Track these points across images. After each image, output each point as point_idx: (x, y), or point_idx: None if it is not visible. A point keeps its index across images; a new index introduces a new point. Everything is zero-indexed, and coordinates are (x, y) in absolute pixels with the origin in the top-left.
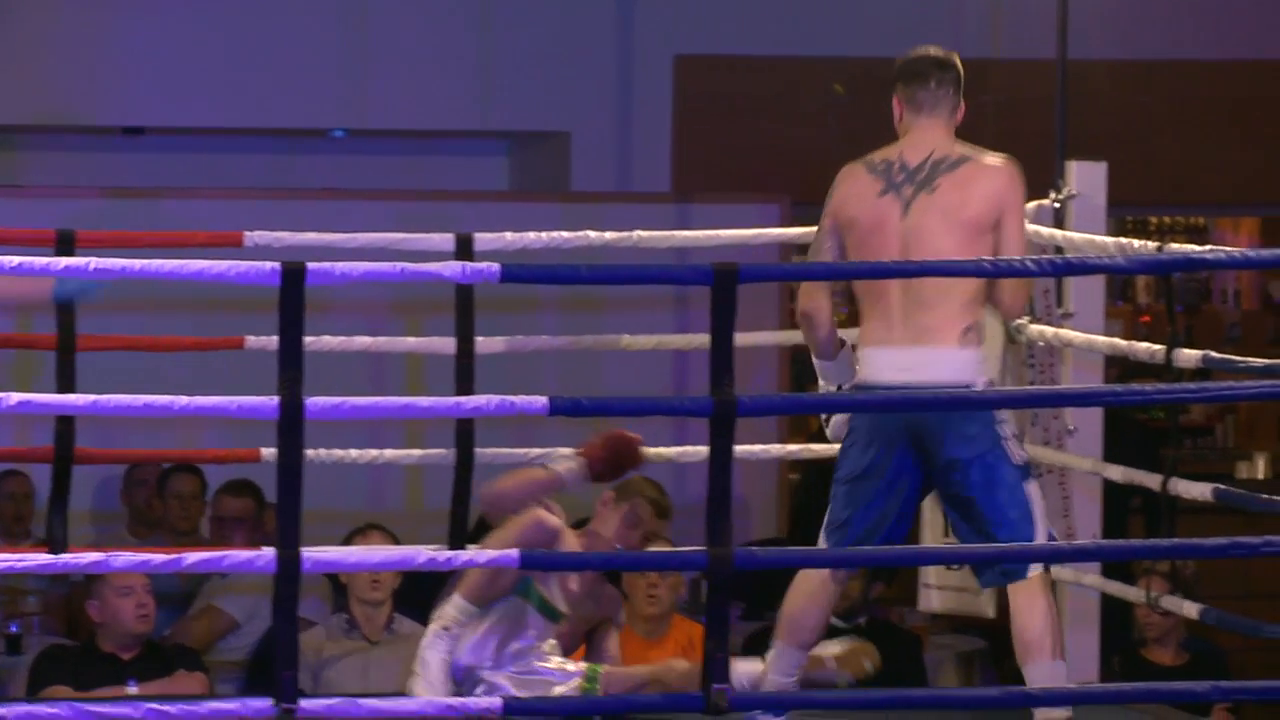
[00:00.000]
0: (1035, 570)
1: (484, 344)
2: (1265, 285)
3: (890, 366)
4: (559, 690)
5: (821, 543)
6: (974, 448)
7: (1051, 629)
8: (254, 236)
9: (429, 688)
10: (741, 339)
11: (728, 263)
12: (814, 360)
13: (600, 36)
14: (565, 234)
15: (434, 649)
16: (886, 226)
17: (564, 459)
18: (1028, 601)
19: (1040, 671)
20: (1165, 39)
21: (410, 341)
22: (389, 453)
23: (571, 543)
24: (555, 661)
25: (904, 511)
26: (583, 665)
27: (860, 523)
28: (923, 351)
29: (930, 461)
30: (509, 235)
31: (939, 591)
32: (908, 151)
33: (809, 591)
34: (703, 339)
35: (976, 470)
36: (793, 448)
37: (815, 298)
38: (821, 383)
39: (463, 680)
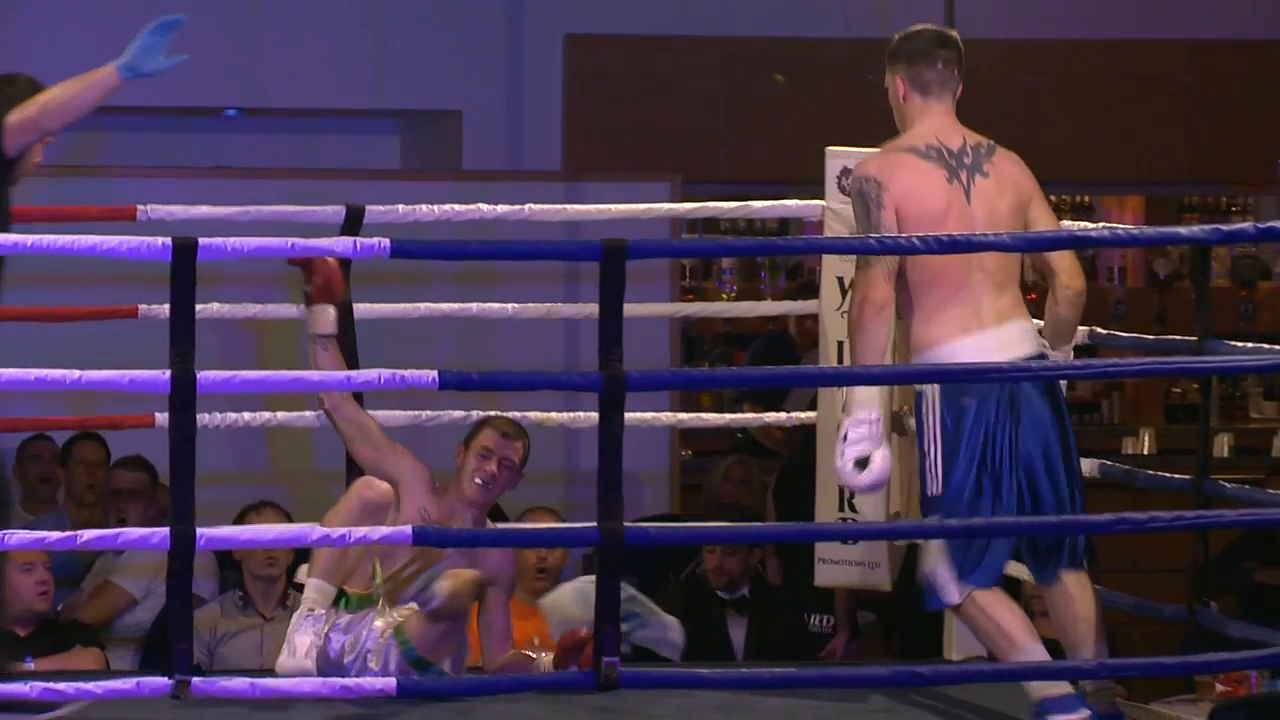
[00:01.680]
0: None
1: (371, 310)
2: (1150, 263)
3: (988, 350)
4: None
5: None
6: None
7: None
8: (147, 210)
9: (297, 669)
10: (633, 310)
11: (616, 239)
12: (860, 363)
13: (491, 16)
14: (458, 207)
15: (301, 631)
16: (956, 215)
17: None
18: (1083, 587)
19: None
20: (1053, 20)
21: (296, 310)
22: (281, 415)
23: (410, 504)
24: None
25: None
26: (390, 628)
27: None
28: (1010, 328)
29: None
30: (401, 208)
31: (835, 566)
32: (943, 135)
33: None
34: (592, 308)
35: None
36: (685, 416)
37: (883, 286)
38: (850, 416)
39: (337, 657)
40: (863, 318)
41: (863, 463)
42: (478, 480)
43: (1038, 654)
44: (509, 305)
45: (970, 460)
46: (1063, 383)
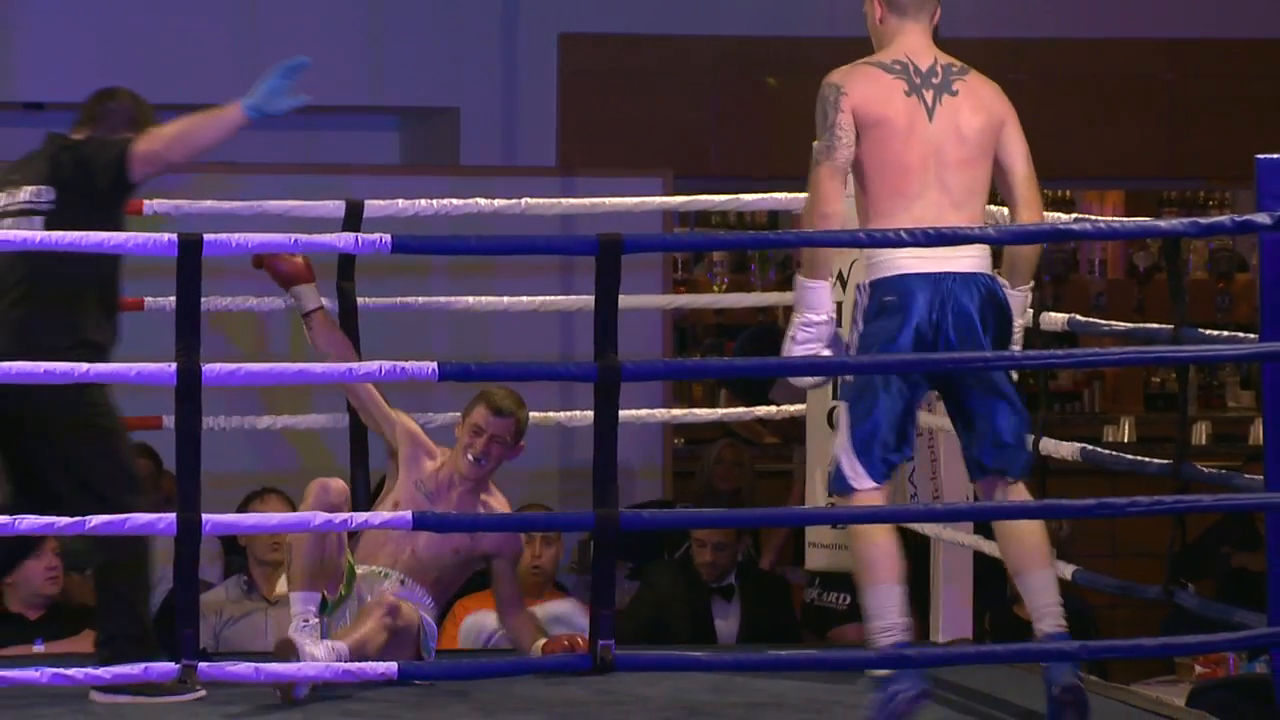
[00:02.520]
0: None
1: (369, 303)
2: (1130, 256)
3: (920, 257)
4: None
5: None
6: None
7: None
8: (153, 205)
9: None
10: (626, 301)
11: (612, 233)
12: (803, 285)
13: (487, 15)
14: (456, 201)
15: (303, 643)
16: (915, 129)
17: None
18: (1030, 520)
19: (1046, 579)
20: (1036, 19)
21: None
22: (284, 419)
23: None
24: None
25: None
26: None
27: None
28: (961, 246)
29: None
30: (401, 203)
31: (824, 550)
32: (913, 55)
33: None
34: (587, 300)
35: None
36: (677, 412)
37: (836, 200)
38: (798, 317)
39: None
40: (807, 225)
41: None
42: (469, 456)
43: (888, 596)
44: (504, 298)
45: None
46: (1019, 322)
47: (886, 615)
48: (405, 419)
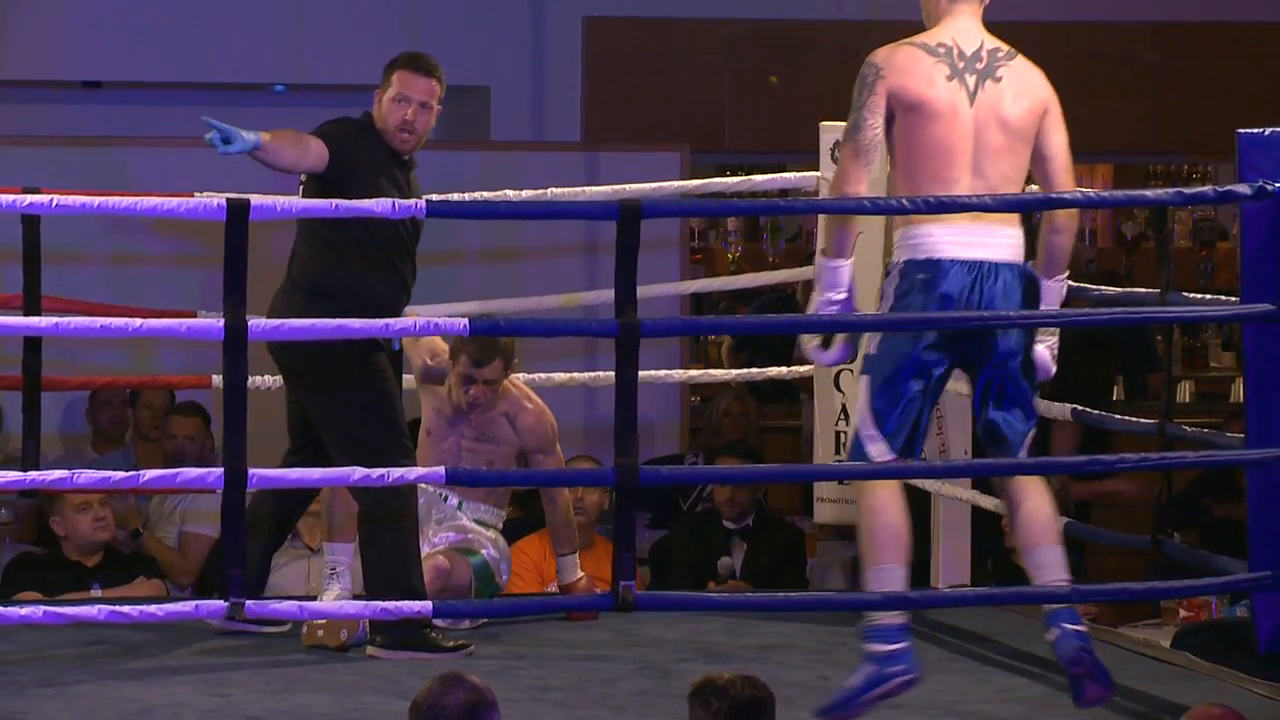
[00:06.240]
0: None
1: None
2: (1119, 225)
3: (966, 244)
4: (484, 551)
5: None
6: None
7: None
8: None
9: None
10: (646, 291)
11: (631, 199)
12: (823, 264)
13: (517, 0)
14: (485, 194)
15: (330, 591)
16: (956, 113)
17: None
18: (1035, 486)
19: (1056, 554)
20: (1029, 3)
21: None
22: None
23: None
24: (472, 526)
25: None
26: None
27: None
28: (997, 230)
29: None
30: (434, 197)
31: (831, 505)
32: (959, 37)
33: (897, 506)
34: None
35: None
36: (694, 372)
37: (857, 182)
38: (819, 296)
39: None
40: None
41: (827, 341)
42: (467, 402)
43: (891, 578)
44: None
45: (907, 336)
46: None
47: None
48: (417, 348)
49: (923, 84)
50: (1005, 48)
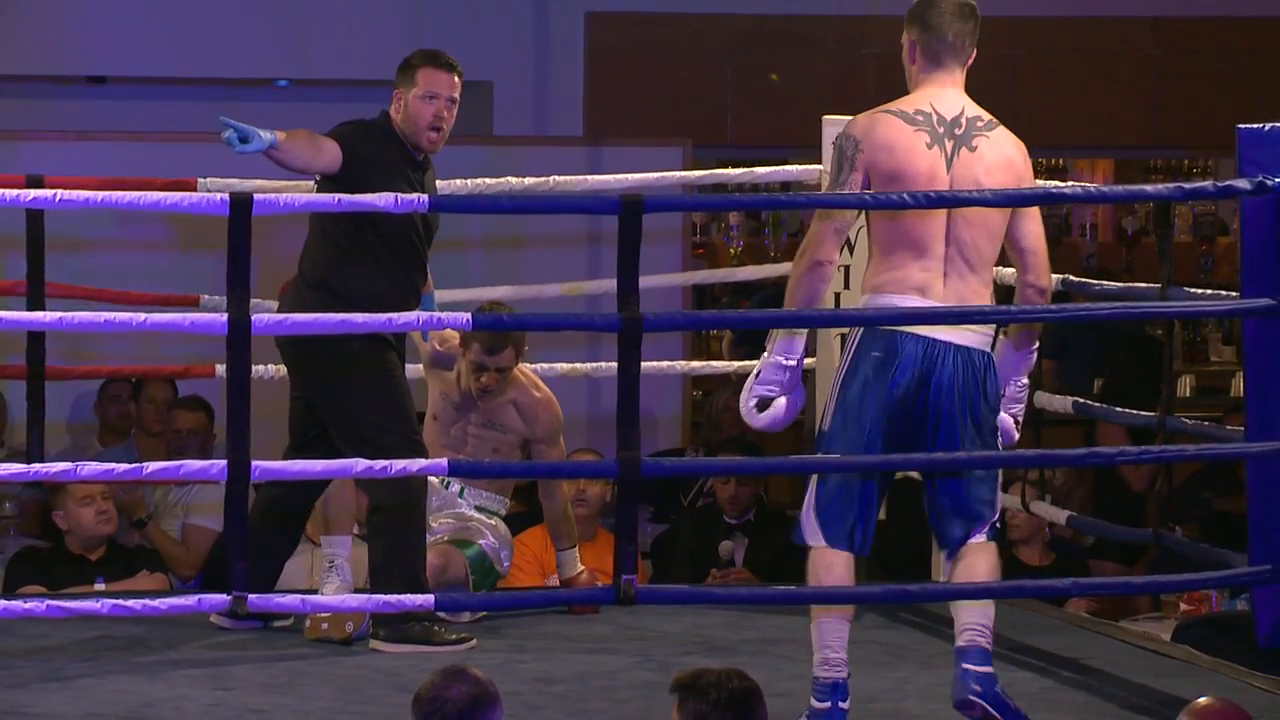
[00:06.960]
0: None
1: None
2: (1119, 220)
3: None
4: (481, 541)
5: None
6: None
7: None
8: (206, 184)
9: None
10: (649, 281)
11: (633, 194)
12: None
13: None
14: (489, 180)
15: (330, 584)
16: (934, 182)
17: None
18: (987, 554)
19: (984, 613)
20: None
21: None
22: None
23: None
24: (472, 513)
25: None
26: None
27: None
28: (954, 302)
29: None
30: (439, 184)
31: None
32: (937, 103)
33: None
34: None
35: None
36: (695, 364)
37: (829, 248)
38: (769, 358)
39: None
40: (798, 269)
41: (764, 404)
42: (478, 390)
43: (836, 632)
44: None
45: (858, 411)
46: (1024, 380)
47: (834, 649)
48: (431, 373)
49: (901, 157)
50: (986, 117)
